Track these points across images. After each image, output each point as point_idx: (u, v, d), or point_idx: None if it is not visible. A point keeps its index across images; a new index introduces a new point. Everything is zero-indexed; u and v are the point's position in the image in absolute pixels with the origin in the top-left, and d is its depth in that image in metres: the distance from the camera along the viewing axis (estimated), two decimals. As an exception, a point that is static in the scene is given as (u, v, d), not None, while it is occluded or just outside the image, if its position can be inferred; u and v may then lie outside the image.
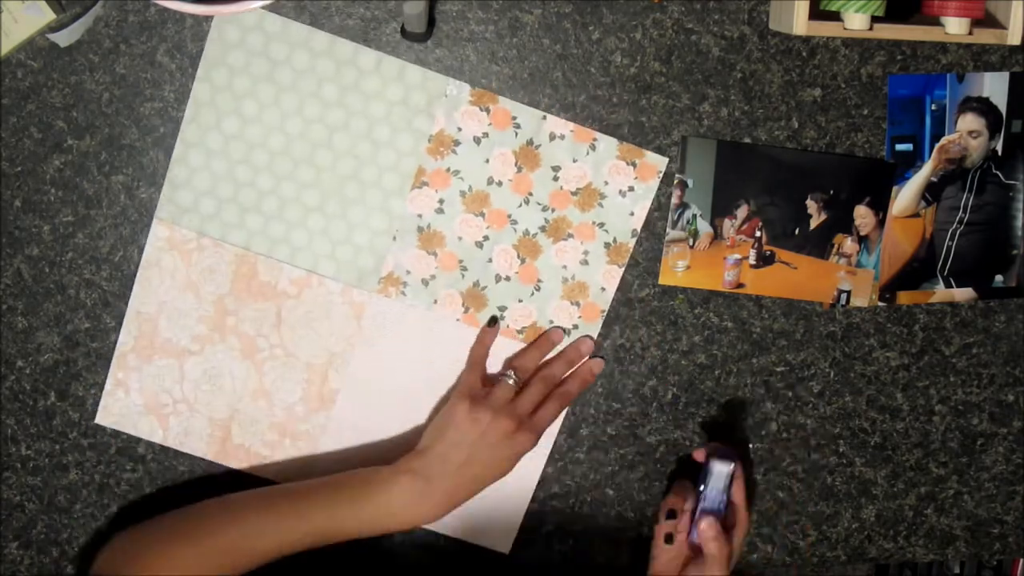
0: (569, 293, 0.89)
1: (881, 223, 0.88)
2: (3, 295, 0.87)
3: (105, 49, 0.83)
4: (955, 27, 0.79)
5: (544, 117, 0.86)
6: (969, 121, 0.87)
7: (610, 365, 0.91)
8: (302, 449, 0.91)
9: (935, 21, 0.80)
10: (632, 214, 0.88)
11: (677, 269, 0.89)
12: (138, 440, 0.90)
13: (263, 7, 0.77)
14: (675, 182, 0.87)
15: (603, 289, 0.89)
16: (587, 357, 0.90)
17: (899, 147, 0.87)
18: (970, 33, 0.79)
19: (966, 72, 0.86)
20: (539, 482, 0.93)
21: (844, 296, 0.89)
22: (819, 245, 0.89)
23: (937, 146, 0.87)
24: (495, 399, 0.85)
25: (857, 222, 0.88)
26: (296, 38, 0.83)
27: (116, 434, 0.90)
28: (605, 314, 0.89)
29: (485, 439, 0.83)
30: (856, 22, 0.78)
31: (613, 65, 0.86)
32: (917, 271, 0.90)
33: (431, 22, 0.83)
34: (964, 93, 0.86)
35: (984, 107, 0.87)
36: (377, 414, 0.91)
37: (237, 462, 0.91)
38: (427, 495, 0.82)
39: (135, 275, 0.87)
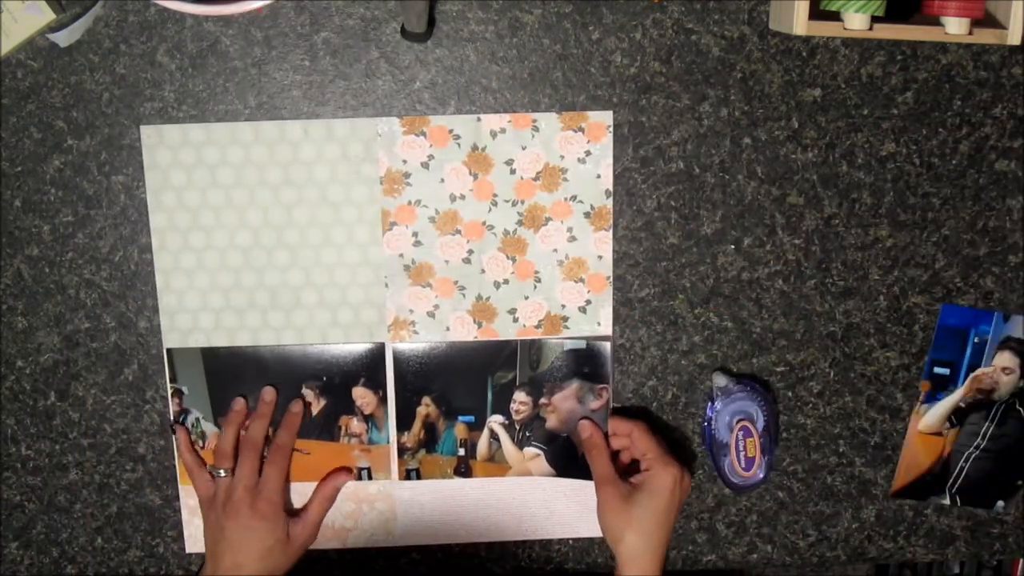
0: (569, 273, 0.89)
1: (383, 400, 0.90)
2: (3, 295, 0.87)
3: (105, 49, 0.83)
4: (955, 27, 0.79)
5: (479, 119, 0.86)
6: (1005, 358, 0.92)
7: (611, 365, 0.91)
8: (381, 510, 0.93)
9: (935, 21, 0.80)
10: (599, 176, 0.88)
11: None
12: (138, 440, 0.90)
13: (264, 6, 0.77)
14: (171, 392, 0.89)
15: (600, 257, 0.89)
16: (271, 403, 0.90)
17: (937, 370, 0.92)
18: (970, 33, 0.79)
19: (1010, 313, 0.91)
20: (539, 482, 0.93)
21: (365, 472, 0.92)
22: (327, 429, 0.91)
23: (972, 376, 0.92)
24: (219, 496, 0.86)
25: (358, 403, 0.90)
26: (223, 137, 0.85)
27: (116, 434, 0.90)
28: (612, 280, 0.89)
29: (229, 531, 0.85)
30: (856, 22, 0.78)
31: (613, 65, 0.86)
32: (928, 484, 0.95)
33: (431, 22, 0.83)
34: (1006, 332, 0.91)
35: (1022, 348, 0.92)
36: None
37: (326, 542, 0.93)
38: None
39: (135, 275, 0.87)
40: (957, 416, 0.93)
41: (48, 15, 0.80)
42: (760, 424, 0.90)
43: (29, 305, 0.88)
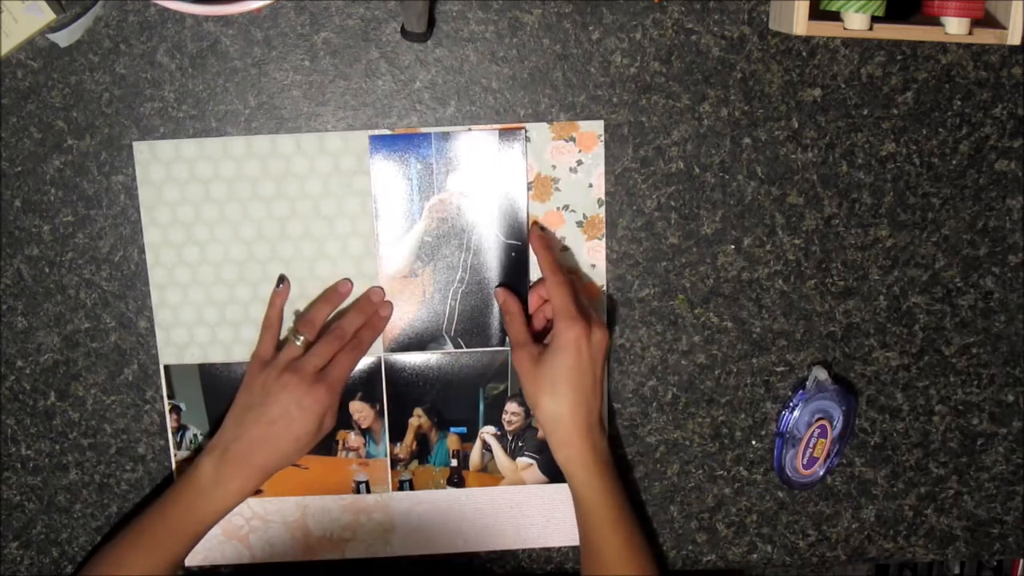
0: None
1: (380, 414, 0.90)
2: (3, 295, 0.87)
3: (105, 49, 0.83)
4: (955, 27, 0.79)
5: (469, 129, 0.85)
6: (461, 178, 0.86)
7: (610, 365, 0.91)
8: (379, 521, 0.92)
9: (935, 21, 0.80)
10: (591, 185, 0.87)
11: None
12: (138, 440, 0.90)
13: (264, 6, 0.77)
14: (168, 408, 0.89)
15: (593, 266, 0.89)
16: (379, 306, 0.88)
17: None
18: (970, 33, 0.79)
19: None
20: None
21: (363, 486, 0.91)
22: (324, 443, 0.89)
23: (428, 205, 0.86)
24: (281, 359, 0.84)
25: (355, 417, 0.90)
26: (215, 152, 0.85)
27: (116, 434, 0.90)
28: (606, 290, 0.89)
29: (274, 399, 0.82)
30: (856, 22, 0.78)
31: (613, 65, 0.86)
32: (420, 330, 0.89)
33: (431, 22, 0.83)
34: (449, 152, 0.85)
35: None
36: None
37: (325, 554, 0.92)
38: (226, 463, 0.82)
39: (135, 275, 0.87)
40: (428, 252, 0.86)
41: (48, 15, 0.80)
42: (837, 428, 0.91)
43: (29, 305, 0.88)
